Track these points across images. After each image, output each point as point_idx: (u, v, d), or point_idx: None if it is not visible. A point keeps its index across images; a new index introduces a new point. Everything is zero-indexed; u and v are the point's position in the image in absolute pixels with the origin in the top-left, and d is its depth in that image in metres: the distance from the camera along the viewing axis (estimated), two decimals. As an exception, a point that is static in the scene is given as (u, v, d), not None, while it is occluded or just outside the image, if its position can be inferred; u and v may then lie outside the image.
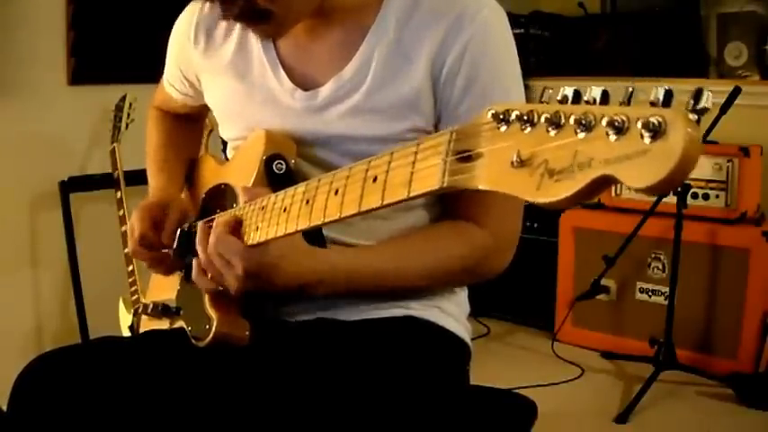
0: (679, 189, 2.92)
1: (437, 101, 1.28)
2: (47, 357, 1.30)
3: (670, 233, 3.01)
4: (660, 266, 3.30)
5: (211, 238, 1.18)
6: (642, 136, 0.58)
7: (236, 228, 1.18)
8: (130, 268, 2.62)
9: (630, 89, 0.62)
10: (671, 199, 2.96)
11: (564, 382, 3.15)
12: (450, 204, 1.34)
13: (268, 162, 1.28)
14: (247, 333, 1.28)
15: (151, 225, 1.43)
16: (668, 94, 0.59)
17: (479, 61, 1.25)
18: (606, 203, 3.48)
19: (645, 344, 3.11)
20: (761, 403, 2.88)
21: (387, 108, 1.27)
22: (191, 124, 1.71)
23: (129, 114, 2.83)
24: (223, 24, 1.42)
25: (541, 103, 0.70)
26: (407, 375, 1.25)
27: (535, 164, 0.65)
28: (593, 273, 3.24)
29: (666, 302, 3.06)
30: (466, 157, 0.75)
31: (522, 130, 0.68)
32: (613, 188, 3.46)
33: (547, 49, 3.91)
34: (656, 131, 0.57)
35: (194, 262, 1.27)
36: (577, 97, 0.67)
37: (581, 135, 0.62)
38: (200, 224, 1.25)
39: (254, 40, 1.39)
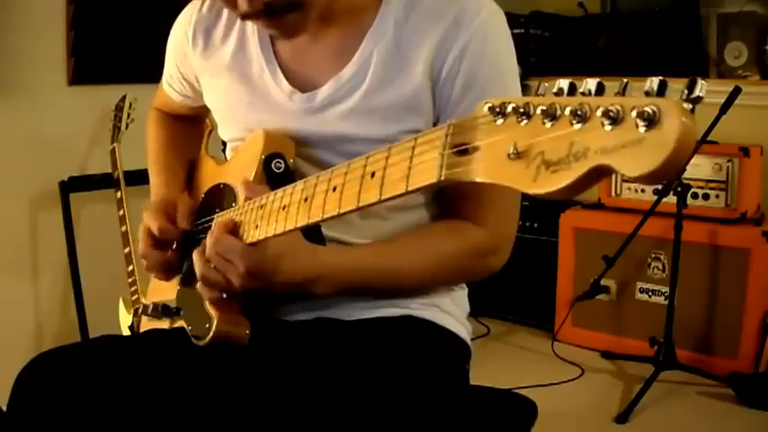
0: (679, 189, 2.92)
1: (436, 101, 1.28)
2: (46, 356, 1.30)
3: (670, 233, 3.01)
4: (660, 266, 3.30)
5: (209, 240, 1.18)
6: (637, 125, 0.58)
7: (234, 229, 1.19)
8: (130, 268, 2.62)
9: (625, 81, 0.62)
10: (671, 199, 2.96)
11: (564, 382, 3.15)
12: (448, 203, 1.35)
13: (267, 161, 1.29)
14: (247, 332, 1.29)
15: (167, 220, 1.42)
16: (662, 85, 0.60)
17: (478, 62, 1.25)
18: (606, 203, 3.48)
19: (645, 344, 3.11)
20: (761, 403, 2.88)
21: (385, 109, 1.28)
22: (191, 125, 1.71)
23: (129, 114, 2.83)
24: (222, 25, 1.43)
25: (537, 96, 0.70)
26: (407, 375, 1.25)
27: (532, 155, 0.66)
28: (593, 273, 3.24)
29: (666, 302, 3.05)
30: (463, 150, 0.75)
31: (519, 122, 0.69)
32: (613, 188, 3.47)
33: (547, 49, 3.91)
34: (651, 120, 0.57)
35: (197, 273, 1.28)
36: (573, 90, 0.67)
37: (576, 126, 0.62)
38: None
39: (252, 42, 1.39)
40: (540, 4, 4.02)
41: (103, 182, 2.85)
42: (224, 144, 1.56)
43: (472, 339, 1.46)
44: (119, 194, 2.74)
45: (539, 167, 0.64)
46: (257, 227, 1.14)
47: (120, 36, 3.02)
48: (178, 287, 1.45)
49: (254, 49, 1.38)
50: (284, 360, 1.27)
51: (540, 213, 3.63)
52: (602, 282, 3.26)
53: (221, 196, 1.40)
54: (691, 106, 0.59)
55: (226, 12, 1.43)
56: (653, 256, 3.31)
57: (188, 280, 1.42)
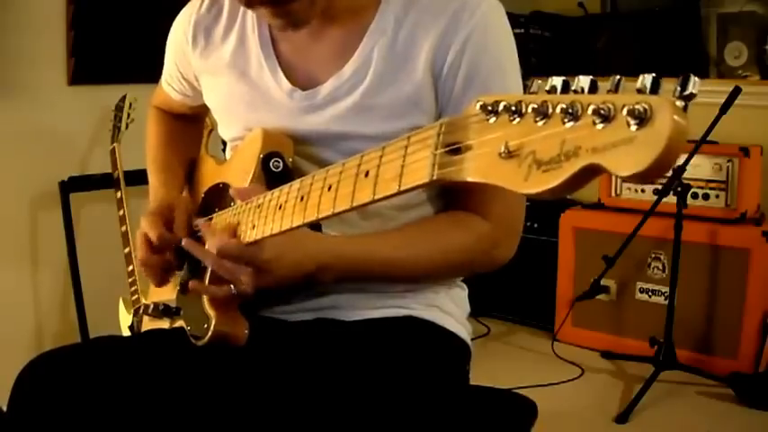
0: (679, 189, 2.92)
1: (438, 97, 1.28)
2: (47, 357, 1.30)
3: (670, 233, 3.01)
4: (660, 266, 3.30)
5: (210, 243, 1.18)
6: (628, 123, 0.57)
7: (233, 230, 1.19)
8: (130, 268, 2.62)
9: (618, 78, 0.62)
10: (671, 199, 2.96)
11: (564, 382, 3.15)
12: (453, 196, 1.34)
13: (265, 160, 1.29)
14: (246, 332, 1.29)
15: (164, 227, 1.41)
16: (655, 82, 0.59)
17: (479, 56, 1.25)
18: (606, 203, 3.48)
19: (645, 344, 3.11)
20: (761, 403, 2.88)
21: (387, 106, 1.28)
22: (191, 124, 1.71)
23: (129, 114, 2.83)
24: (221, 25, 1.43)
25: (531, 93, 0.70)
26: (407, 375, 1.25)
27: (523, 154, 0.65)
28: (593, 273, 3.23)
29: (666, 302, 3.05)
30: (455, 149, 0.75)
31: (511, 120, 0.68)
32: (613, 188, 3.47)
33: (547, 49, 3.91)
34: (642, 119, 0.57)
35: (208, 274, 1.28)
36: (566, 87, 0.67)
37: (568, 124, 0.62)
38: (202, 225, 1.25)
39: (252, 41, 1.39)
40: (540, 4, 4.02)
41: (103, 182, 2.85)
42: (224, 143, 1.57)
43: (472, 339, 1.46)
44: (119, 194, 2.74)
45: (530, 167, 0.64)
46: (254, 227, 1.14)
47: (120, 36, 3.02)
48: (178, 288, 1.45)
49: (254, 48, 1.38)
50: (284, 360, 1.27)
51: (540, 213, 3.62)
52: (602, 282, 3.25)
53: (221, 196, 1.40)
54: (683, 104, 0.59)
55: (225, 11, 1.43)
56: (653, 256, 3.31)
57: (186, 288, 1.42)
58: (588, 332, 3.50)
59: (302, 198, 1.03)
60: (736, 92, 2.89)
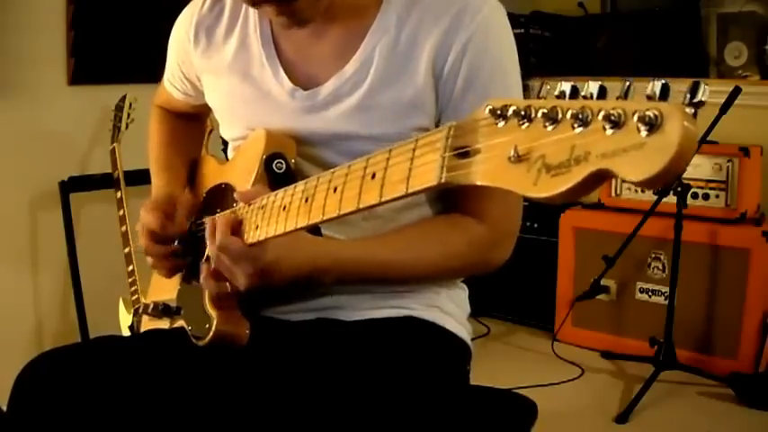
0: (679, 189, 2.92)
1: (439, 98, 1.28)
2: (47, 356, 1.30)
3: (670, 233, 3.01)
4: (660, 266, 3.30)
5: (216, 240, 1.18)
6: (639, 129, 0.58)
7: (237, 227, 1.18)
8: (130, 268, 2.62)
9: (627, 83, 0.62)
10: (671, 199, 2.96)
11: (564, 382, 3.15)
12: (450, 198, 1.35)
13: (268, 161, 1.28)
14: (247, 332, 1.29)
15: (165, 217, 1.42)
16: (665, 88, 0.59)
17: (481, 58, 1.25)
18: (606, 203, 3.48)
19: (645, 344, 3.11)
20: (761, 403, 2.88)
21: (388, 106, 1.27)
22: (193, 123, 1.71)
23: (129, 114, 2.83)
24: (223, 24, 1.42)
25: (539, 98, 0.70)
26: (408, 375, 1.25)
27: (532, 159, 0.65)
28: (593, 273, 3.24)
29: (666, 302, 3.05)
30: (464, 152, 0.75)
31: (520, 125, 0.68)
32: (613, 188, 3.47)
33: (547, 49, 3.91)
34: (653, 125, 0.57)
35: (202, 266, 1.27)
36: (575, 93, 0.67)
37: (578, 130, 0.62)
38: (208, 223, 1.25)
39: (254, 40, 1.39)
40: (540, 4, 4.02)
41: (103, 182, 2.85)
42: (225, 144, 1.56)
43: (472, 339, 1.46)
44: (119, 194, 2.74)
45: (539, 171, 0.64)
46: (258, 227, 1.14)
47: (120, 36, 3.02)
48: (179, 286, 1.45)
49: (255, 48, 1.38)
50: (284, 360, 1.27)
51: (540, 213, 3.62)
52: (602, 282, 3.26)
53: (223, 196, 1.40)
54: (693, 110, 0.59)
55: (227, 11, 1.42)
56: (653, 256, 3.31)
57: (188, 280, 1.42)
58: (588, 332, 3.50)
59: (307, 200, 1.03)
60: (736, 92, 2.90)
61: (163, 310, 1.47)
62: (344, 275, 1.24)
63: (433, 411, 1.25)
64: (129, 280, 2.60)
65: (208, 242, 1.21)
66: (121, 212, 2.71)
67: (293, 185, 1.08)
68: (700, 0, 3.66)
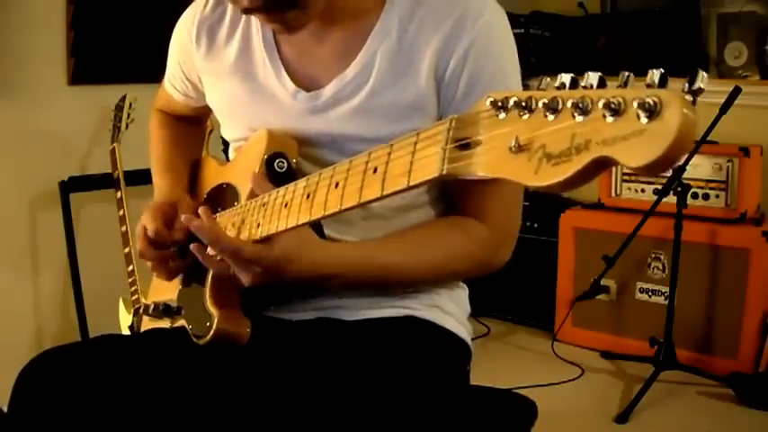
0: (679, 189, 2.92)
1: (440, 102, 1.28)
2: (47, 356, 1.30)
3: (670, 233, 3.01)
4: (660, 266, 3.30)
5: (219, 247, 1.17)
6: (638, 116, 0.58)
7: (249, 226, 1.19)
8: (130, 268, 2.62)
9: (627, 74, 0.63)
10: (671, 199, 2.96)
11: (564, 382, 3.15)
12: (451, 200, 1.35)
13: (269, 161, 1.29)
14: (248, 331, 1.29)
15: (164, 223, 1.42)
16: (663, 77, 0.60)
17: (482, 63, 1.25)
18: (606, 203, 3.49)
19: (645, 344, 3.11)
20: (761, 403, 2.88)
21: (389, 109, 1.28)
22: (193, 126, 1.71)
23: (129, 114, 2.83)
24: (225, 25, 1.42)
25: (539, 90, 0.70)
26: (408, 375, 1.25)
27: (533, 148, 0.66)
28: (593, 273, 3.23)
29: (666, 302, 3.05)
30: (465, 144, 0.75)
31: (521, 116, 0.69)
32: (613, 188, 3.47)
33: (547, 49, 3.92)
34: (652, 111, 0.57)
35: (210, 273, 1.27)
36: (574, 84, 0.68)
37: (578, 118, 0.63)
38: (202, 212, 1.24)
39: (256, 42, 1.39)
40: (540, 4, 4.02)
41: (103, 182, 2.85)
42: (225, 144, 1.56)
43: (472, 339, 1.46)
44: (119, 194, 2.74)
45: (540, 160, 0.64)
46: (259, 225, 1.14)
47: (120, 36, 3.02)
48: (179, 286, 1.45)
49: (258, 49, 1.38)
50: (285, 360, 1.28)
51: (540, 213, 3.63)
52: (602, 282, 3.26)
53: (224, 196, 1.40)
54: (692, 98, 0.59)
55: (230, 11, 1.42)
56: (653, 256, 3.32)
57: (189, 280, 1.42)
58: (588, 332, 3.50)
59: (308, 196, 1.03)
60: (736, 92, 2.90)
61: (163, 311, 1.47)
62: (351, 280, 1.24)
63: (433, 411, 1.25)
64: (129, 280, 2.61)
65: (210, 245, 1.21)
66: (121, 212, 2.71)
67: (294, 182, 1.08)
68: (700, 0, 3.66)
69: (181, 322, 1.40)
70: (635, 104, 0.58)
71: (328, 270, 1.20)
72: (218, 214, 1.33)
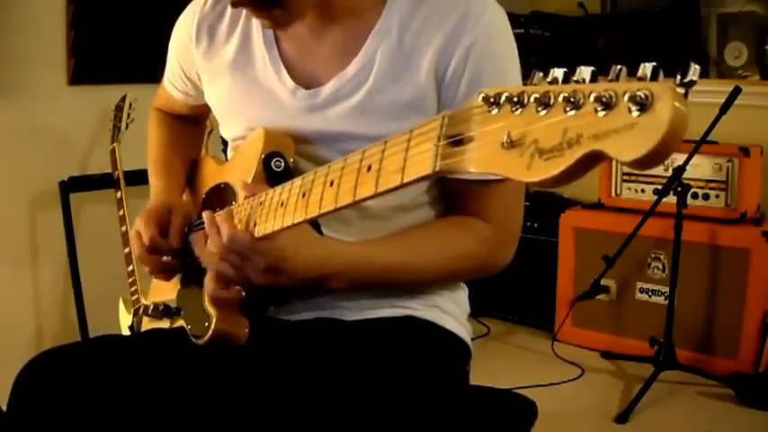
0: (679, 189, 2.92)
1: (440, 102, 1.28)
2: (47, 356, 1.30)
3: (670, 233, 3.01)
4: (660, 266, 3.30)
5: (223, 236, 1.17)
6: (630, 110, 0.58)
7: (247, 224, 1.18)
8: (130, 268, 2.62)
9: (619, 68, 0.63)
10: (671, 199, 2.96)
11: (564, 382, 3.15)
12: (452, 201, 1.35)
13: (266, 160, 1.29)
14: (246, 331, 1.29)
15: (158, 229, 1.43)
16: (655, 70, 0.60)
17: (483, 63, 1.25)
18: (606, 203, 3.48)
19: (645, 344, 3.11)
20: (761, 403, 2.88)
21: (389, 108, 1.28)
22: (192, 125, 1.71)
23: (129, 114, 2.83)
24: (225, 23, 1.43)
25: (532, 85, 0.70)
26: (407, 375, 1.25)
27: (525, 144, 0.66)
28: (593, 273, 3.23)
29: (666, 302, 3.05)
30: (458, 140, 0.75)
31: (513, 111, 0.69)
32: (613, 188, 3.47)
33: (547, 49, 3.91)
34: (644, 105, 0.57)
35: (208, 276, 1.27)
36: (567, 78, 0.68)
37: (570, 113, 0.62)
38: (206, 218, 1.24)
39: (256, 40, 1.39)
40: (540, 4, 4.02)
41: (103, 182, 2.85)
42: (224, 144, 1.57)
43: (472, 339, 1.46)
44: (119, 194, 2.74)
45: (532, 155, 0.64)
46: (256, 224, 1.14)
47: (120, 36, 3.02)
48: (179, 287, 1.45)
49: (257, 47, 1.39)
50: (284, 360, 1.27)
51: (540, 213, 3.62)
52: (602, 282, 3.25)
53: (222, 196, 1.40)
54: (684, 90, 0.59)
55: (229, 9, 1.42)
56: (653, 256, 3.31)
57: (188, 281, 1.42)
58: (588, 332, 3.50)
59: (304, 194, 1.03)
60: (736, 92, 2.90)
61: (163, 311, 1.47)
62: (354, 279, 1.24)
63: (433, 411, 1.25)
64: (129, 280, 2.60)
65: (212, 239, 1.21)
66: (121, 212, 2.71)
67: (291, 181, 1.08)
68: (700, 0, 3.66)
69: (180, 322, 1.41)
70: (626, 98, 0.58)
71: (328, 267, 1.20)
72: (215, 214, 1.33)
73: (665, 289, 3.14)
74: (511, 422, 1.43)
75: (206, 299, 1.29)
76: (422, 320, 1.36)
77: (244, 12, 1.41)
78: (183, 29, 1.49)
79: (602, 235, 3.37)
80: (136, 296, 2.56)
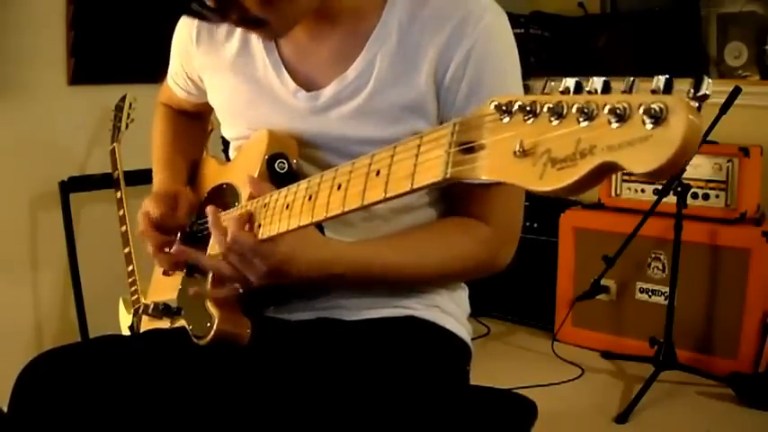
0: (679, 189, 2.92)
1: (440, 105, 1.28)
2: (47, 356, 1.30)
3: (670, 233, 3.01)
4: (660, 266, 3.30)
5: (229, 237, 1.17)
6: (644, 122, 0.58)
7: (250, 223, 1.18)
8: (130, 268, 2.61)
9: (632, 79, 0.63)
10: (671, 199, 2.96)
11: (564, 382, 3.15)
12: (452, 202, 1.35)
13: (270, 161, 1.29)
14: (248, 331, 1.29)
15: (168, 209, 1.43)
16: (668, 82, 0.60)
17: (483, 66, 1.25)
18: (606, 203, 3.48)
19: (645, 344, 3.11)
20: (761, 403, 2.88)
21: (390, 111, 1.28)
22: (196, 121, 1.72)
23: (129, 114, 2.83)
24: (225, 24, 1.42)
25: (544, 94, 0.70)
26: (408, 375, 1.25)
27: (538, 153, 0.66)
28: (593, 273, 3.24)
29: (666, 302, 3.05)
30: (469, 148, 0.75)
31: (525, 120, 0.69)
32: (613, 188, 3.47)
33: (547, 49, 3.91)
34: (658, 118, 0.58)
35: (210, 277, 1.28)
36: (579, 88, 0.68)
37: (583, 124, 0.63)
38: (210, 215, 1.24)
39: (256, 41, 1.39)
40: (540, 4, 4.03)
41: (103, 182, 2.84)
42: (225, 145, 1.56)
43: (472, 339, 1.46)
44: (119, 194, 2.74)
45: (545, 165, 0.64)
46: (260, 226, 1.14)
47: (120, 36, 3.01)
48: (179, 286, 1.45)
49: (258, 49, 1.39)
50: (285, 360, 1.28)
51: (540, 213, 3.63)
52: (602, 282, 3.26)
53: (224, 196, 1.40)
54: (697, 104, 0.60)
55: None
56: (653, 256, 3.31)
57: (189, 280, 1.42)
58: (588, 332, 3.50)
59: (310, 197, 1.03)
60: (736, 92, 2.90)
61: (163, 311, 1.47)
62: (357, 279, 1.25)
63: (433, 411, 1.25)
64: (129, 280, 2.60)
65: (216, 238, 1.21)
66: (121, 212, 2.71)
67: (296, 183, 1.08)
68: (700, 0, 3.66)
69: (181, 322, 1.40)
70: (641, 110, 0.59)
71: (332, 269, 1.21)
72: (222, 213, 1.33)
73: (665, 289, 3.15)
74: (511, 422, 1.43)
75: (208, 299, 1.29)
76: (422, 320, 1.36)
77: None
78: (185, 30, 1.49)
79: (602, 235, 3.37)
80: (136, 296, 2.56)
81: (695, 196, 3.19)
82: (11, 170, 2.81)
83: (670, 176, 0.59)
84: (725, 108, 2.90)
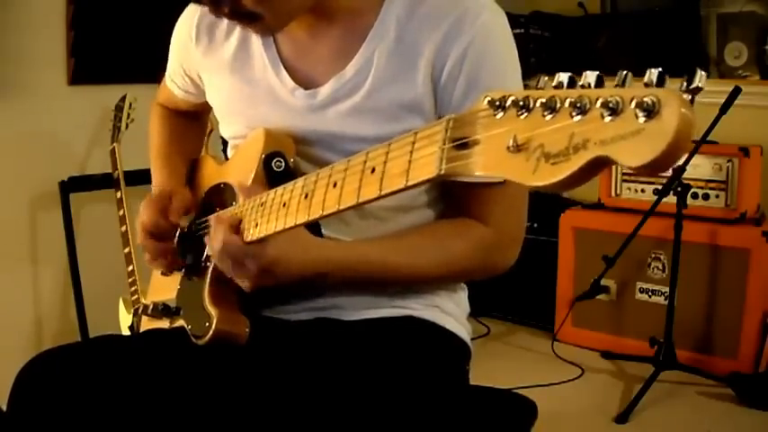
0: (679, 189, 2.92)
1: (438, 103, 1.28)
2: (46, 356, 1.30)
3: (670, 233, 3.01)
4: (660, 266, 3.30)
5: (215, 243, 1.18)
6: (637, 116, 0.58)
7: (237, 226, 1.18)
8: (130, 268, 2.62)
9: (625, 73, 0.63)
10: (671, 199, 2.96)
11: (564, 382, 3.15)
12: (452, 202, 1.35)
13: (267, 160, 1.29)
14: (247, 330, 1.29)
15: (160, 214, 1.43)
16: (661, 76, 0.60)
17: (480, 64, 1.25)
18: (606, 203, 3.48)
19: (645, 344, 3.11)
20: (761, 403, 2.88)
21: (387, 109, 1.27)
22: (194, 121, 1.72)
23: (129, 114, 2.83)
24: (225, 23, 1.42)
25: (537, 89, 0.70)
26: (407, 375, 1.25)
27: (531, 148, 0.66)
28: (593, 273, 3.23)
29: (666, 302, 3.05)
30: (463, 144, 0.75)
31: (519, 115, 0.69)
32: (613, 188, 3.47)
33: (547, 49, 3.91)
34: (651, 111, 0.57)
35: (208, 277, 1.28)
36: (572, 83, 0.68)
37: (576, 118, 0.63)
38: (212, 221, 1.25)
39: (254, 39, 1.39)
40: (540, 4, 4.02)
41: (103, 182, 2.85)
42: (224, 144, 1.56)
43: (472, 339, 1.46)
44: (119, 194, 2.74)
45: (538, 160, 0.64)
46: (257, 225, 1.14)
47: (120, 36, 3.02)
48: (179, 286, 1.45)
49: (256, 47, 1.39)
50: (284, 360, 1.27)
51: (540, 213, 3.62)
52: (602, 282, 3.25)
53: (222, 195, 1.40)
54: (690, 97, 0.59)
55: None
56: (653, 256, 3.31)
57: (190, 276, 1.42)
58: (588, 332, 3.50)
59: (307, 195, 1.03)
60: (736, 92, 2.90)
61: (163, 311, 1.47)
62: (348, 278, 1.25)
63: (433, 411, 1.25)
64: (129, 280, 2.61)
65: (207, 243, 1.22)
66: (121, 212, 2.71)
67: (293, 182, 1.08)
68: (700, 0, 3.66)
69: (180, 322, 1.40)
70: (633, 104, 0.58)
71: (323, 268, 1.20)
72: (216, 214, 1.33)
73: (665, 289, 3.14)
74: (511, 422, 1.43)
75: (206, 299, 1.29)
76: (421, 320, 1.36)
77: None
78: (184, 29, 1.49)
79: (602, 235, 3.37)
80: (136, 296, 2.56)
81: (695, 196, 3.19)
82: (11, 170, 2.82)
83: (664, 170, 0.59)
84: (725, 108, 2.90)
